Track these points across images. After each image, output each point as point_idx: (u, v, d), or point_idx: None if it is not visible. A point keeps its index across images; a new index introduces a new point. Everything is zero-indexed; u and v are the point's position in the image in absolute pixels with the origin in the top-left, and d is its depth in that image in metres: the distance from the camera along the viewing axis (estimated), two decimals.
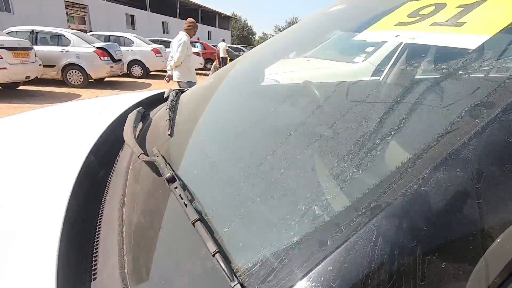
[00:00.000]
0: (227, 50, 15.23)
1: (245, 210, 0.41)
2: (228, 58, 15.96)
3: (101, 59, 7.85)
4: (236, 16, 48.42)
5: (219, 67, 3.99)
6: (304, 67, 1.84)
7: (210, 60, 15.30)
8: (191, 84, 4.20)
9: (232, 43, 31.17)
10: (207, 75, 13.97)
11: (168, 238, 0.42)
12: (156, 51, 10.34)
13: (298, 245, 0.32)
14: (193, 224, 0.37)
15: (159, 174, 0.51)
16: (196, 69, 14.48)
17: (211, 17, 34.26)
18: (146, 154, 0.55)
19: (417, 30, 0.47)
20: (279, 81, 1.56)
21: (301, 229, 0.34)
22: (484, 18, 0.42)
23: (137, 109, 0.93)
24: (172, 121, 0.73)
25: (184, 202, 0.41)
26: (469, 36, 0.39)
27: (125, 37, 10.46)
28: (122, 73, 9.14)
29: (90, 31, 14.86)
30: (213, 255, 0.33)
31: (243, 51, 20.57)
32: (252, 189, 0.47)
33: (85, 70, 7.70)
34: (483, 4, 0.44)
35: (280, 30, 52.02)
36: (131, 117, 0.84)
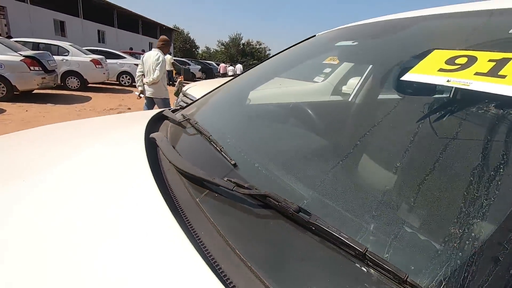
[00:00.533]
0: (172, 63, 14.86)
1: (401, 231, 0.45)
2: (174, 72, 15.58)
3: (30, 69, 6.94)
4: (178, 29, 47.74)
5: (183, 83, 3.90)
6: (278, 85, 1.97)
7: None
8: (165, 101, 4.15)
9: (175, 56, 30.48)
10: None
11: (326, 267, 0.42)
12: (96, 62, 9.56)
13: (476, 260, 0.37)
14: (365, 253, 0.39)
15: (266, 206, 0.51)
16: None
17: (152, 29, 33.17)
18: (243, 186, 0.55)
19: (464, 78, 0.59)
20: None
21: (469, 245, 0.39)
22: None
23: (162, 135, 0.89)
24: (224, 151, 0.72)
25: (342, 235, 0.42)
26: None
27: (58, 46, 9.45)
28: (55, 85, 8.20)
29: (9, 36, 13.02)
30: (405, 280, 0.36)
31: (189, 64, 20.25)
32: (402, 206, 0.49)
33: (9, 81, 6.71)
34: (511, 61, 0.58)
35: (223, 44, 52.85)
36: (165, 145, 0.80)
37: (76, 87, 9.48)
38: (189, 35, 52.80)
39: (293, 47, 1.71)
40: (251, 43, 54.71)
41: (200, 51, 56.65)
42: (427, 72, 0.65)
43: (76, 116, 6.34)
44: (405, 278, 0.35)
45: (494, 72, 0.56)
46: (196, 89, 3.23)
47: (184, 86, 3.40)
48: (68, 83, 9.40)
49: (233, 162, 0.67)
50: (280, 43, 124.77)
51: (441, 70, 0.63)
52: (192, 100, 3.12)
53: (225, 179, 0.60)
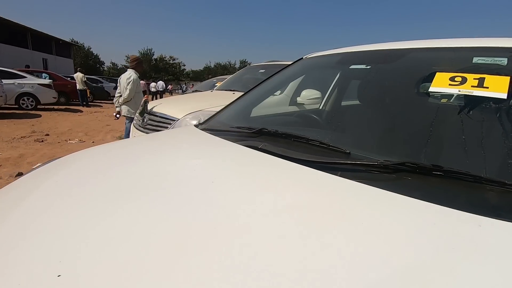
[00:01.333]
0: (85, 81, 13.41)
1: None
2: (88, 91, 14.06)
3: None
4: (77, 43, 42.79)
5: (145, 104, 3.70)
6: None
7: (64, 92, 12.96)
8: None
9: (76, 73, 27.13)
10: (65, 110, 11.64)
11: None
12: None
13: None
14: (483, 177, 0.74)
15: (400, 170, 0.81)
16: (49, 104, 11.75)
17: (45, 43, 28.82)
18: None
19: (467, 89, 1.03)
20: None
21: None
22: (493, 85, 1.01)
23: (262, 143, 1.09)
24: (333, 145, 0.99)
25: (471, 172, 0.76)
26: (497, 93, 0.97)
27: None
28: None
29: None
30: None
31: (101, 82, 18.46)
32: None
33: None
34: (486, 79, 1.04)
35: None
36: (280, 149, 1.02)
37: None
38: (91, 49, 47.93)
39: (286, 68, 2.06)
40: (164, 58, 53.13)
41: (105, 68, 51.86)
42: (442, 86, 1.09)
43: None
44: None
45: (481, 85, 1.03)
46: (165, 107, 3.25)
47: (148, 104, 3.37)
48: None
49: (348, 151, 0.95)
50: (195, 59, 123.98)
51: (450, 85, 1.08)
52: (163, 117, 3.13)
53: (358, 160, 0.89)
